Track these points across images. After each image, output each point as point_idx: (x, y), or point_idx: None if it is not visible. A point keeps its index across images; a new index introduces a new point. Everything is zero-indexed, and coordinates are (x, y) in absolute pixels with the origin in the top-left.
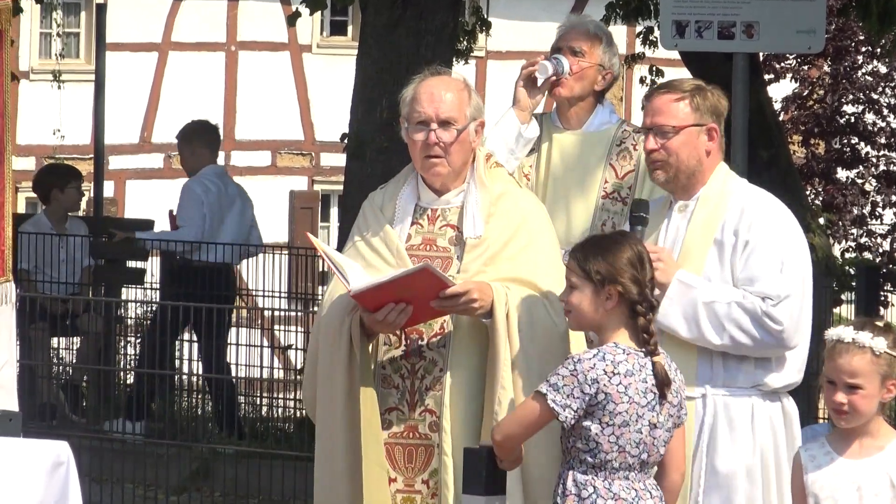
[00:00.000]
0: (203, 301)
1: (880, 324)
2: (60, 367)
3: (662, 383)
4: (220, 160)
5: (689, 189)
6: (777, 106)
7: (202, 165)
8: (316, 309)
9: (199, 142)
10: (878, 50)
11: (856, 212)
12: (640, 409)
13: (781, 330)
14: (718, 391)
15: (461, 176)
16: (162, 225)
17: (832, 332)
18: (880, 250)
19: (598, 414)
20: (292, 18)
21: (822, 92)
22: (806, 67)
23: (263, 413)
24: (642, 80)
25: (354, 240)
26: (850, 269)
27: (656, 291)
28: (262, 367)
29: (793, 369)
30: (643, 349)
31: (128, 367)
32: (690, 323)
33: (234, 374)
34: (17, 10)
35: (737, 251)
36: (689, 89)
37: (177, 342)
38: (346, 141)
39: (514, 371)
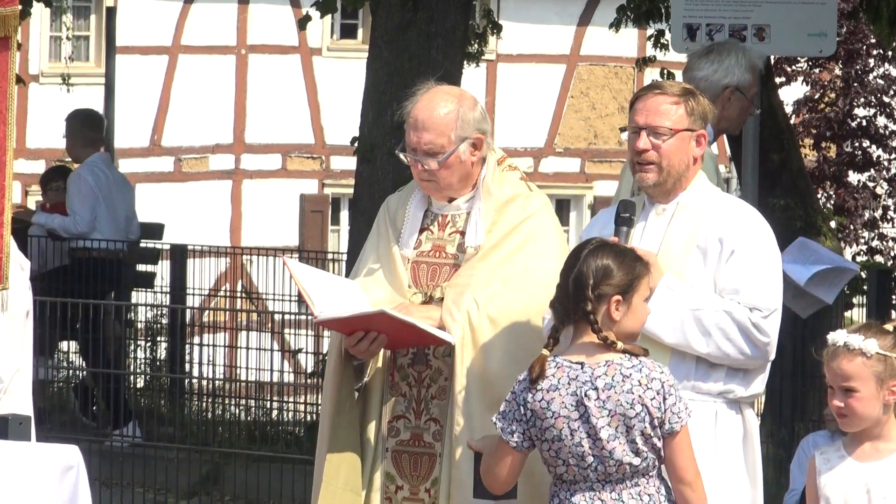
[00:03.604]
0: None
1: (889, 327)
2: (71, 371)
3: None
4: (231, 162)
5: (670, 194)
6: (788, 109)
7: (89, 153)
8: None
9: (87, 130)
10: (890, 53)
11: (867, 215)
12: (571, 422)
13: (767, 342)
14: (685, 393)
15: (470, 182)
16: (171, 230)
17: (829, 337)
18: (892, 253)
19: (533, 431)
20: (303, 22)
21: (833, 95)
22: (817, 71)
23: (273, 417)
24: None
25: (366, 248)
26: (862, 273)
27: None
28: (272, 370)
29: (760, 380)
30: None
31: (138, 370)
32: (676, 329)
33: (244, 377)
34: (24, 13)
35: (722, 259)
36: (682, 93)
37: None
38: (356, 144)
39: (487, 392)
